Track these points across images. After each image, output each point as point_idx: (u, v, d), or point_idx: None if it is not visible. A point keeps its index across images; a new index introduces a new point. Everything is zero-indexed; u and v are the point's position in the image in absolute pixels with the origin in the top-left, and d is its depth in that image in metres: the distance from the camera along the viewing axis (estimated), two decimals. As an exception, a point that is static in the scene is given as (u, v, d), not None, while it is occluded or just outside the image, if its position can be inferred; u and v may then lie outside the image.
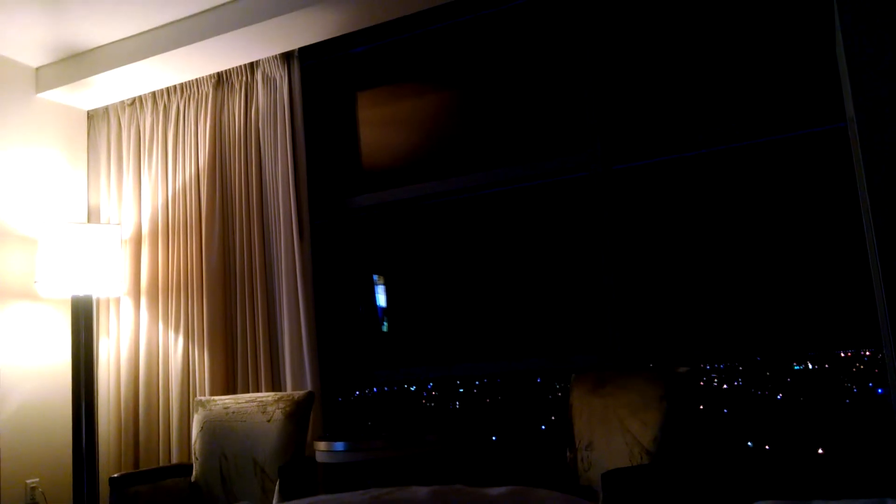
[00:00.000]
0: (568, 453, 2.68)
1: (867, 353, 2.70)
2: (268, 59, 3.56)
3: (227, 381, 3.47)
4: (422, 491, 1.24)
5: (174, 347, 3.59)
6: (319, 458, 2.85)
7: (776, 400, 2.79)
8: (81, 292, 3.41)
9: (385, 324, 3.67)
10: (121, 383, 3.71)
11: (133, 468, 3.58)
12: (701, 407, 2.86)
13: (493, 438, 3.25)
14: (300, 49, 3.51)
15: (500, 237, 3.37)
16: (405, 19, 3.30)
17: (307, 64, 3.61)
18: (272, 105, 3.53)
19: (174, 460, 3.45)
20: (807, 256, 2.76)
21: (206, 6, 3.33)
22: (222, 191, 3.62)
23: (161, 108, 3.86)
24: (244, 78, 3.64)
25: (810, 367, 2.77)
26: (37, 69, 3.84)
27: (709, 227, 2.94)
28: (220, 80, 3.71)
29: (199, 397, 3.34)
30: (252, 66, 3.62)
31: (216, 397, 3.24)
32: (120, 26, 3.47)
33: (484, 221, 3.41)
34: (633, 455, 2.36)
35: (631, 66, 3.10)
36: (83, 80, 3.69)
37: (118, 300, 3.82)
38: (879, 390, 2.65)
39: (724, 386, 2.92)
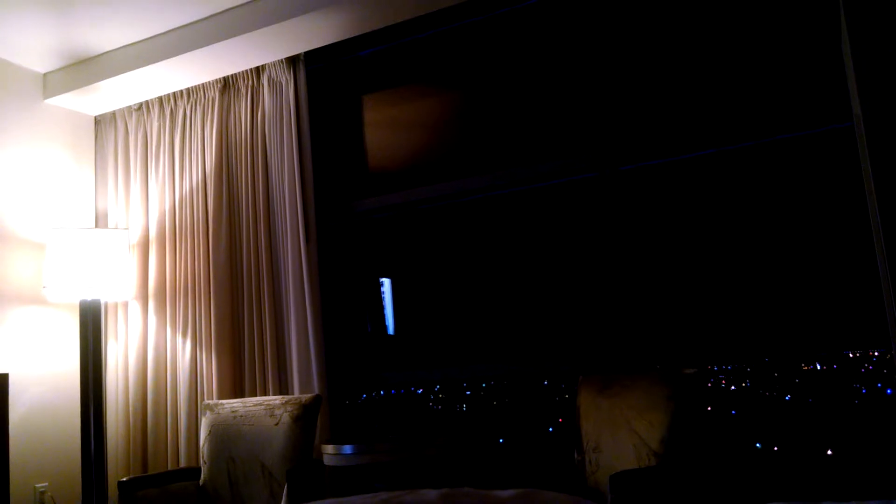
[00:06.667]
0: (575, 455, 2.68)
1: (876, 353, 2.68)
2: (274, 64, 3.57)
3: (235, 385, 3.48)
4: (431, 493, 1.25)
5: (182, 351, 3.60)
6: (327, 461, 2.86)
7: (784, 401, 2.78)
8: (89, 297, 3.43)
9: (392, 326, 3.67)
10: (129, 387, 3.73)
11: (141, 472, 3.59)
12: (709, 408, 2.85)
13: (501, 441, 3.25)
14: (306, 53, 3.52)
15: (506, 239, 3.37)
16: (410, 22, 3.30)
17: (313, 68, 3.62)
18: (278, 109, 3.54)
19: (182, 464, 3.46)
20: (814, 256, 2.75)
21: (213, 11, 3.34)
22: (229, 195, 3.63)
23: (168, 112, 3.87)
24: (250, 82, 3.65)
25: (818, 367, 2.76)
26: (44, 75, 3.87)
27: (715, 227, 2.94)
28: (227, 85, 3.73)
29: (206, 401, 3.34)
30: (258, 71, 3.63)
31: (224, 401, 3.24)
32: (127, 32, 3.49)
33: (490, 223, 3.41)
34: (641, 457, 2.36)
35: (637, 66, 3.09)
36: (90, 86, 3.71)
37: (126, 304, 3.84)
38: (888, 391, 2.63)
39: (732, 387, 2.91)
